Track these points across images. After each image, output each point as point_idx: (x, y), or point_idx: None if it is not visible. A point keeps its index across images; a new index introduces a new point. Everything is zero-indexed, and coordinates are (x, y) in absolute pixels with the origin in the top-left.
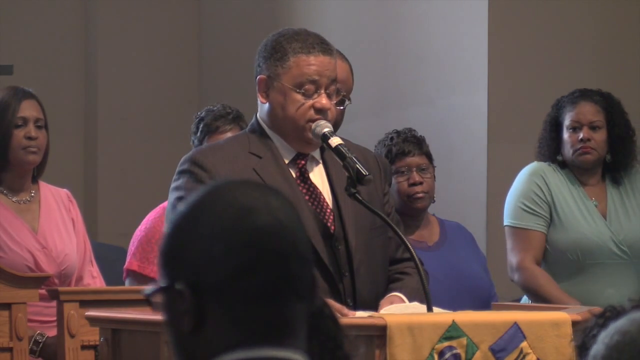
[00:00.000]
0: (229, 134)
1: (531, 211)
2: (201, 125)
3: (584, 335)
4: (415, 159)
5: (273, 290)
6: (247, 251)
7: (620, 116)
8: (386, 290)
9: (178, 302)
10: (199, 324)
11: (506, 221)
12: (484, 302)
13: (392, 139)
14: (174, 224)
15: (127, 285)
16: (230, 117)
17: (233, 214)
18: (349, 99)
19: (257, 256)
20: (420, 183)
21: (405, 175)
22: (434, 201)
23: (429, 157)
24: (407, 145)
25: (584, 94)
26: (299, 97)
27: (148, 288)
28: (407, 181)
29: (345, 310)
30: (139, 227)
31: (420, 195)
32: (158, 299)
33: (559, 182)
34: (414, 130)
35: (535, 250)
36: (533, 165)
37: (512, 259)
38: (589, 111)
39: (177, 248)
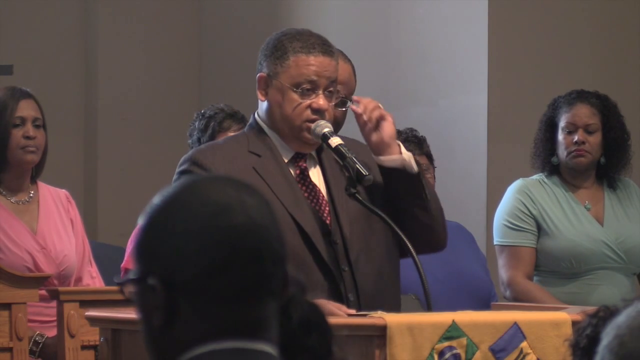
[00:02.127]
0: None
1: (517, 228)
2: (212, 124)
3: (577, 335)
4: (417, 158)
5: (245, 290)
6: (220, 250)
7: (616, 119)
8: (397, 284)
9: (150, 296)
10: (170, 320)
11: (495, 240)
12: (484, 302)
13: None
14: (148, 217)
15: None
16: (238, 117)
17: (207, 212)
18: (352, 100)
19: (230, 255)
20: None
21: None
22: None
23: (429, 157)
24: (407, 145)
25: (580, 96)
26: (296, 96)
27: (120, 278)
28: None
29: (343, 309)
30: (138, 227)
31: None
32: (130, 289)
33: (544, 195)
34: (415, 130)
35: (526, 266)
36: (517, 183)
37: (503, 275)
38: (585, 114)
39: (151, 242)
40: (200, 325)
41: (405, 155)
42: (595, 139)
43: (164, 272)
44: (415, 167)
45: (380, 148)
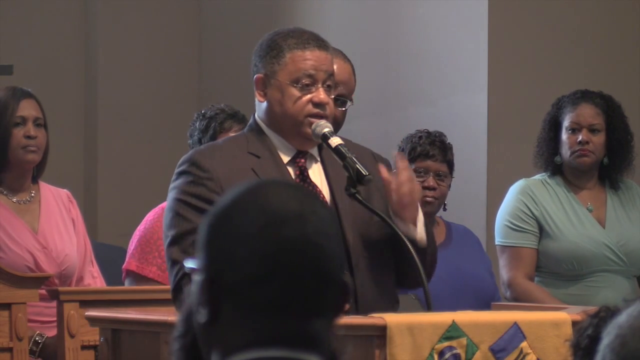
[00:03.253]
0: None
1: (519, 229)
2: (213, 124)
3: (578, 335)
4: (435, 164)
5: (285, 304)
6: (266, 262)
7: (620, 120)
8: (393, 288)
9: (200, 291)
10: (212, 319)
11: (496, 240)
12: (487, 304)
13: (420, 137)
14: (213, 213)
15: (126, 285)
16: (239, 118)
17: (263, 221)
18: (352, 100)
19: (275, 269)
20: (434, 189)
21: (422, 177)
22: (445, 209)
23: (450, 166)
24: (432, 148)
25: (585, 96)
26: (296, 92)
27: (190, 263)
28: (421, 183)
29: None
30: (138, 227)
31: (429, 199)
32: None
33: (547, 196)
34: (444, 136)
35: (527, 267)
36: (520, 183)
37: (504, 276)
38: (589, 114)
39: (207, 239)
40: (240, 331)
41: (419, 230)
42: (599, 139)
43: (212, 271)
44: (424, 241)
45: (398, 214)
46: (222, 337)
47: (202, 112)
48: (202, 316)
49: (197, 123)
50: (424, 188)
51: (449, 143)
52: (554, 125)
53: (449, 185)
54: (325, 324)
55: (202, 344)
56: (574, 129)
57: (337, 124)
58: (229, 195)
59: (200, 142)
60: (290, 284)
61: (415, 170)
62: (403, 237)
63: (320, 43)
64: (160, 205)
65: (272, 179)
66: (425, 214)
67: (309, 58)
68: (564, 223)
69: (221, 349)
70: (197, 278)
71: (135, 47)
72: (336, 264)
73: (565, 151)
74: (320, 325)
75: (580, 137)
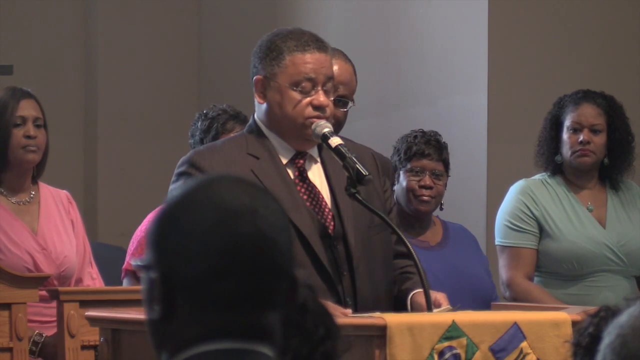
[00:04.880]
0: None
1: (519, 229)
2: (215, 125)
3: (578, 335)
4: (431, 163)
5: (242, 299)
6: (221, 257)
7: (622, 120)
8: (391, 289)
9: (152, 288)
10: (167, 315)
11: (496, 240)
12: (485, 303)
13: (415, 137)
14: (163, 209)
15: (125, 285)
16: (241, 118)
17: (216, 217)
18: (353, 101)
19: (230, 264)
20: (430, 187)
21: (418, 176)
22: (442, 209)
23: (446, 164)
24: (427, 147)
25: (587, 95)
26: (296, 95)
27: (137, 261)
28: (418, 182)
29: (340, 309)
30: (139, 228)
31: (426, 198)
32: (141, 274)
33: (547, 196)
34: (439, 135)
35: (526, 267)
36: (520, 184)
37: (504, 276)
38: (591, 114)
39: (159, 235)
40: (196, 325)
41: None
42: (601, 140)
43: (165, 267)
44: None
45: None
46: (174, 334)
47: (204, 112)
48: (154, 313)
49: (199, 123)
50: (421, 187)
51: (444, 142)
52: (555, 125)
53: (445, 184)
54: (277, 316)
55: (152, 341)
56: (576, 129)
57: (339, 125)
58: (179, 192)
59: (202, 142)
60: (246, 279)
61: (411, 170)
62: (403, 237)
63: (319, 45)
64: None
65: (221, 174)
66: (422, 214)
67: (309, 61)
68: (564, 223)
69: (172, 345)
70: (146, 275)
71: (135, 47)
72: (288, 257)
73: (566, 151)
74: (271, 317)
75: (581, 137)
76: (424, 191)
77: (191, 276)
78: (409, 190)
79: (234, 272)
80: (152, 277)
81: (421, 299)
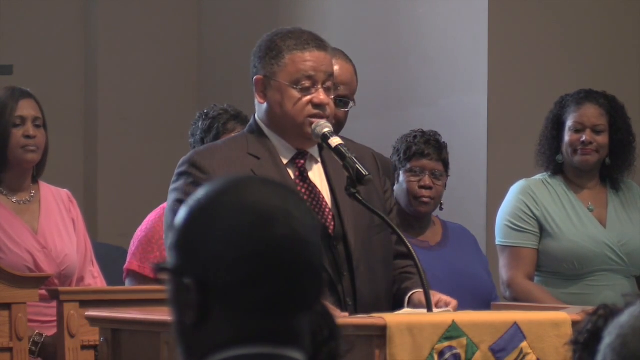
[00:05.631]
0: None
1: (519, 229)
2: (216, 125)
3: (577, 333)
4: (431, 163)
5: (279, 302)
6: (259, 262)
7: (623, 121)
8: (391, 289)
9: (184, 293)
10: (201, 320)
11: (497, 240)
12: (485, 303)
13: (415, 137)
14: (192, 211)
15: (127, 285)
16: (242, 119)
17: (251, 221)
18: (354, 101)
19: (268, 268)
20: (430, 188)
21: (417, 176)
22: (442, 209)
23: (445, 165)
24: (427, 147)
25: (589, 96)
26: (296, 93)
27: (160, 262)
28: (417, 182)
29: (337, 312)
30: (140, 228)
31: (426, 199)
32: (165, 277)
33: (547, 196)
34: (439, 135)
35: (527, 267)
36: (520, 184)
37: (504, 276)
38: (594, 114)
39: (191, 240)
40: (230, 329)
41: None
42: (603, 140)
43: (200, 273)
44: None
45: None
46: (205, 338)
47: (205, 111)
48: (187, 318)
49: (200, 123)
50: (420, 187)
51: (444, 142)
52: (556, 124)
53: (445, 185)
54: (307, 318)
55: (181, 346)
56: (578, 129)
57: (340, 125)
58: (204, 195)
59: (202, 141)
60: (283, 282)
61: (410, 170)
62: (403, 237)
63: (319, 43)
64: (161, 206)
65: (246, 175)
66: (422, 214)
67: (309, 59)
68: (565, 223)
69: (201, 349)
70: (175, 280)
71: (135, 47)
72: (320, 256)
73: (568, 150)
74: (303, 319)
75: (583, 137)
76: (424, 192)
77: (228, 282)
78: (408, 191)
79: (271, 276)
80: (185, 283)
81: (420, 297)
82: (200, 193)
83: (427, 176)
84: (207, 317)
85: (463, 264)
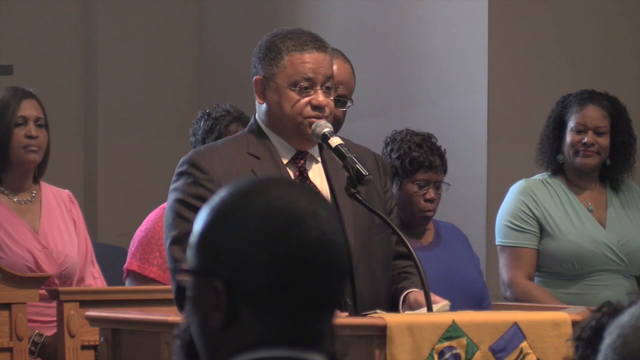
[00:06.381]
0: None
1: (519, 229)
2: (219, 126)
3: (580, 330)
4: (436, 176)
5: (307, 305)
6: (290, 264)
7: (625, 123)
8: (390, 289)
9: (211, 296)
10: (229, 323)
11: (497, 240)
12: (477, 302)
13: (419, 145)
14: (216, 213)
15: (127, 285)
16: (244, 120)
17: (281, 223)
18: (352, 101)
19: (299, 270)
20: (434, 200)
21: (423, 188)
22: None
23: (445, 172)
24: (433, 157)
25: (592, 97)
26: (294, 95)
27: (184, 265)
28: (423, 196)
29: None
30: (140, 228)
31: (429, 214)
32: (186, 278)
33: (547, 196)
34: (435, 138)
35: (527, 267)
36: (520, 184)
37: (504, 276)
38: (596, 116)
39: (218, 242)
40: (257, 332)
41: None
42: (605, 141)
43: (229, 276)
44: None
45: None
46: (231, 341)
47: (207, 111)
48: (215, 321)
49: (202, 122)
50: (426, 201)
51: (443, 149)
52: (558, 124)
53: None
54: (330, 318)
55: (205, 348)
56: (580, 130)
57: (338, 124)
58: (230, 196)
59: (204, 141)
60: (314, 285)
61: (415, 181)
62: (404, 237)
63: (318, 44)
64: (161, 206)
65: (269, 177)
66: (423, 224)
67: (308, 61)
68: (565, 223)
69: (226, 352)
70: (200, 282)
71: (135, 47)
72: (347, 257)
73: (569, 151)
74: (327, 321)
75: (586, 139)
76: (429, 205)
77: (259, 285)
78: (413, 204)
79: (302, 278)
80: (212, 287)
81: (416, 296)
82: (223, 195)
83: (431, 189)
84: (235, 319)
85: (455, 263)
